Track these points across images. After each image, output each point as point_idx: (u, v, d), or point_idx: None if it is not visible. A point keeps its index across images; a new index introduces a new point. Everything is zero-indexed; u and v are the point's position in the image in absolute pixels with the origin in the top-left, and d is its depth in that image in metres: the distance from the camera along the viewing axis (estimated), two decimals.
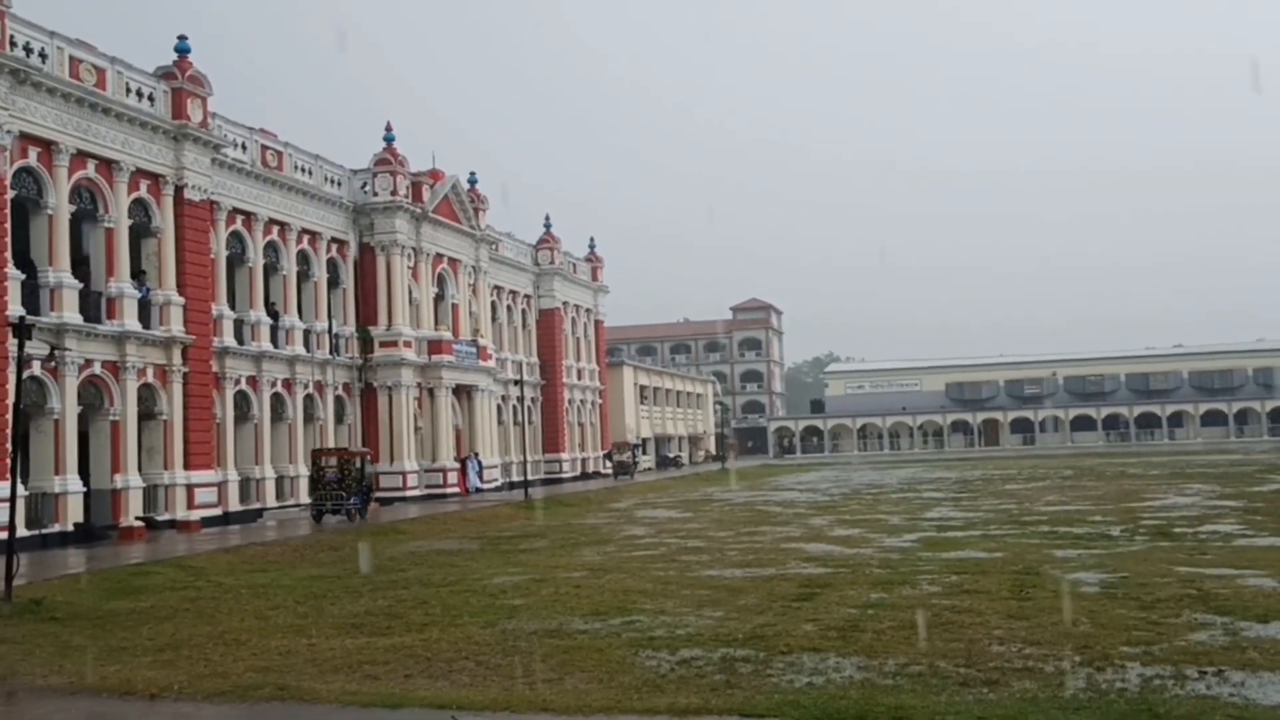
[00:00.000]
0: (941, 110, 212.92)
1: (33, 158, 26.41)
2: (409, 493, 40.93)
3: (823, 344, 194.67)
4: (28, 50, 25.98)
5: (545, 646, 12.57)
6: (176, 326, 30.43)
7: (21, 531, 21.49)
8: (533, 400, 56.39)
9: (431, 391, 43.53)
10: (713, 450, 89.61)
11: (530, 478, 45.28)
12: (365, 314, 41.89)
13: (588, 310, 64.68)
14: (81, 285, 27.74)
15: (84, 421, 27.92)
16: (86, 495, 27.33)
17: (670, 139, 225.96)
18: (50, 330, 25.94)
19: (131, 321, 28.96)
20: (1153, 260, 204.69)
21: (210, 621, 15.30)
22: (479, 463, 45.92)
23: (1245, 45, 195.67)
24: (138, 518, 28.20)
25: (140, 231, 30.24)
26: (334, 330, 39.86)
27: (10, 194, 25.40)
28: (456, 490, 43.71)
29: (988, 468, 63.01)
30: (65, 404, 26.67)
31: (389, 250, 41.84)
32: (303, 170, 38.77)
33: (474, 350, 46.34)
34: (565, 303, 60.63)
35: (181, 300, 30.77)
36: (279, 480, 36.27)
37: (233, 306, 34.94)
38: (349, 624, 14.74)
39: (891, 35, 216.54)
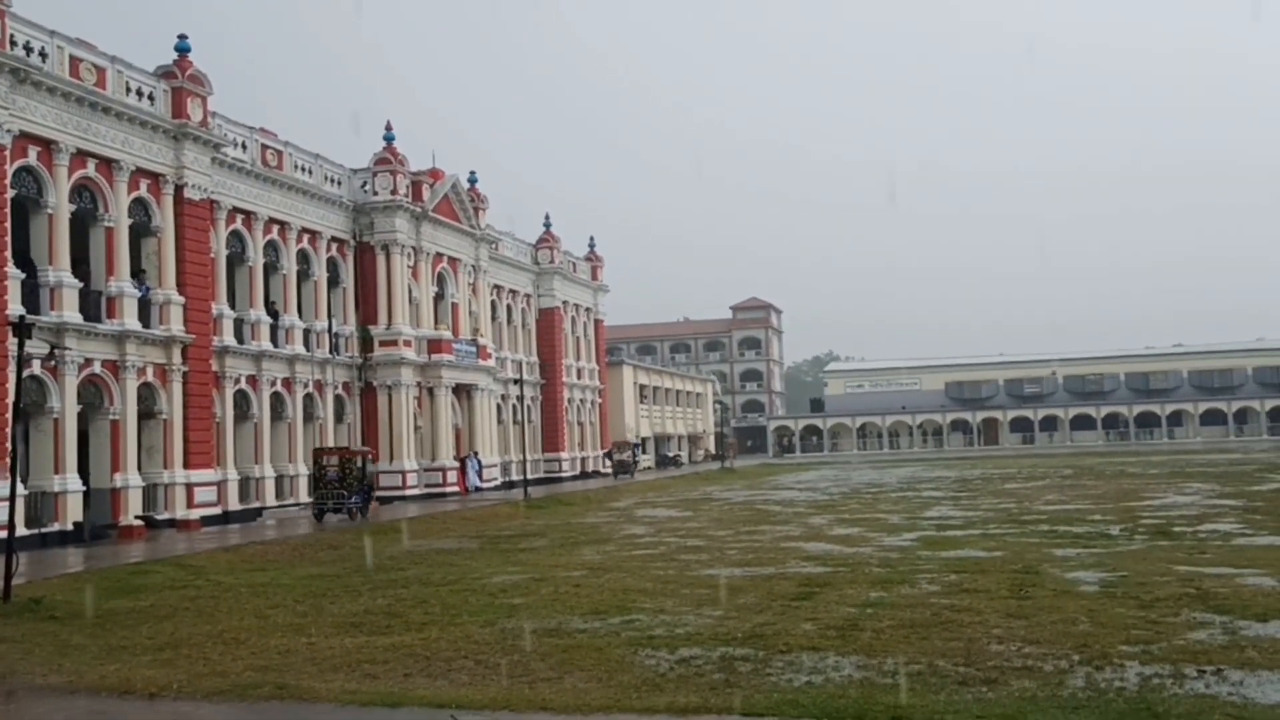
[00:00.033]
0: (942, 110, 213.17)
1: (33, 157, 26.41)
2: (408, 492, 40.94)
3: (822, 343, 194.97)
4: (28, 49, 25.98)
5: (544, 645, 12.58)
6: (176, 326, 30.44)
7: (21, 530, 21.49)
8: (532, 399, 56.40)
9: (431, 391, 43.54)
10: (712, 449, 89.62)
11: (530, 477, 45.26)
12: (365, 313, 41.90)
13: (587, 309, 64.69)
14: (81, 284, 27.74)
15: (84, 420, 27.93)
16: (86, 494, 27.32)
17: (670, 138, 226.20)
18: (50, 329, 25.94)
19: (131, 321, 28.97)
20: (1153, 260, 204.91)
21: (210, 620, 15.31)
22: (478, 462, 45.93)
23: (1245, 45, 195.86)
24: (137, 517, 28.21)
25: (140, 231, 30.24)
26: (334, 329, 39.87)
27: (10, 193, 25.40)
28: (456, 489, 43.72)
29: (987, 467, 63.01)
30: (65, 403, 26.68)
31: (389, 249, 41.84)
32: (303, 169, 38.77)
33: (474, 349, 46.36)
34: (565, 302, 60.64)
35: (181, 299, 30.78)
36: (279, 479, 36.28)
37: (233, 306, 34.95)
38: (348, 623, 14.75)
39: (890, 34, 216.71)
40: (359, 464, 32.36)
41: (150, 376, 29.65)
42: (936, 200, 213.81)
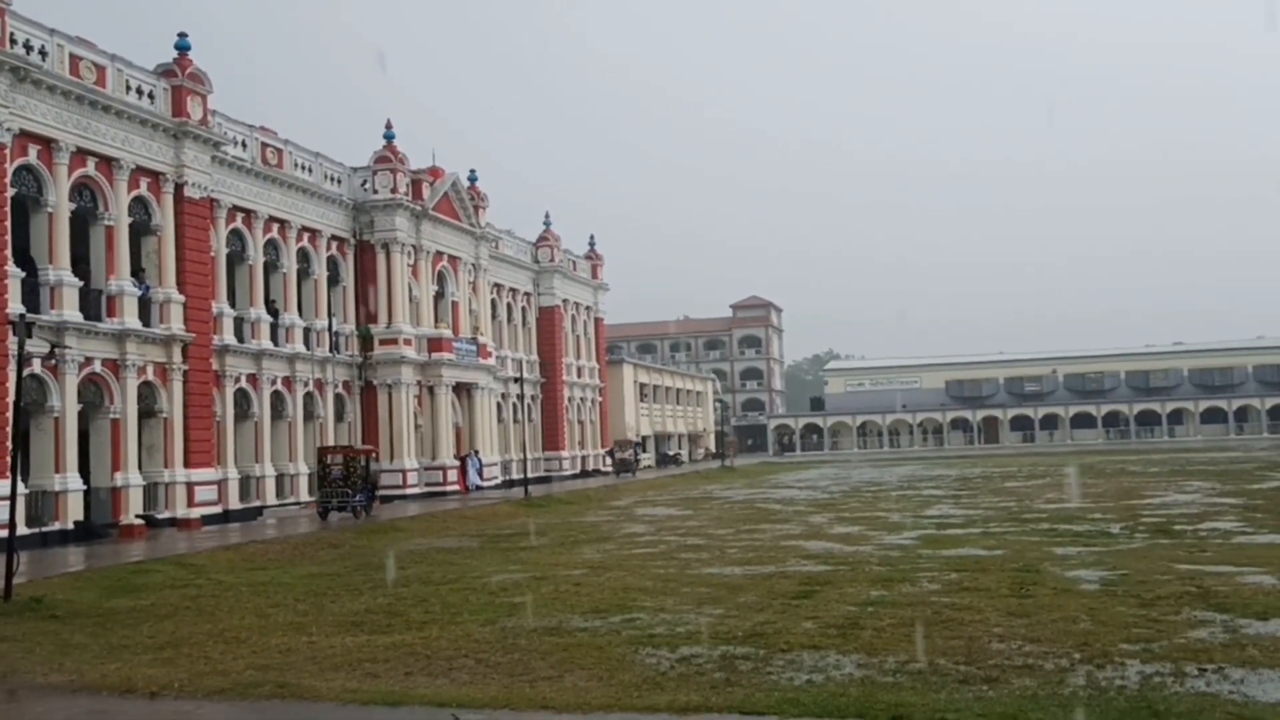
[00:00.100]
0: (943, 105, 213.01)
1: (33, 155, 26.41)
2: (409, 490, 40.95)
3: (822, 341, 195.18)
4: (28, 48, 25.97)
5: (545, 644, 12.58)
6: (176, 324, 30.44)
7: (22, 529, 21.50)
8: (532, 398, 56.41)
9: (431, 389, 43.54)
10: (713, 448, 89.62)
11: (530, 475, 45.29)
12: (365, 312, 41.91)
13: (588, 308, 64.69)
14: (81, 283, 27.74)
15: (84, 419, 27.94)
16: (87, 493, 27.35)
17: (670, 137, 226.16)
18: (50, 328, 25.95)
19: (131, 319, 28.97)
20: (1153, 257, 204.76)
21: (210, 619, 15.32)
22: (479, 460, 45.94)
23: (1254, 41, 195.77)
24: (138, 515, 28.22)
25: (140, 229, 30.24)
26: (334, 328, 39.87)
27: (10, 191, 25.40)
28: (456, 488, 43.74)
29: (988, 465, 63.03)
30: (65, 402, 26.69)
31: (389, 248, 41.84)
32: (303, 168, 38.77)
33: (474, 348, 46.36)
34: (565, 300, 60.64)
35: (181, 298, 30.78)
36: (279, 478, 36.28)
37: (233, 304, 34.95)
38: (349, 622, 14.76)
39: (889, 32, 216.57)
40: (363, 463, 32.46)
41: (150, 375, 29.65)
42: (937, 196, 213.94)
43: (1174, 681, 9.88)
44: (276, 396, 36.52)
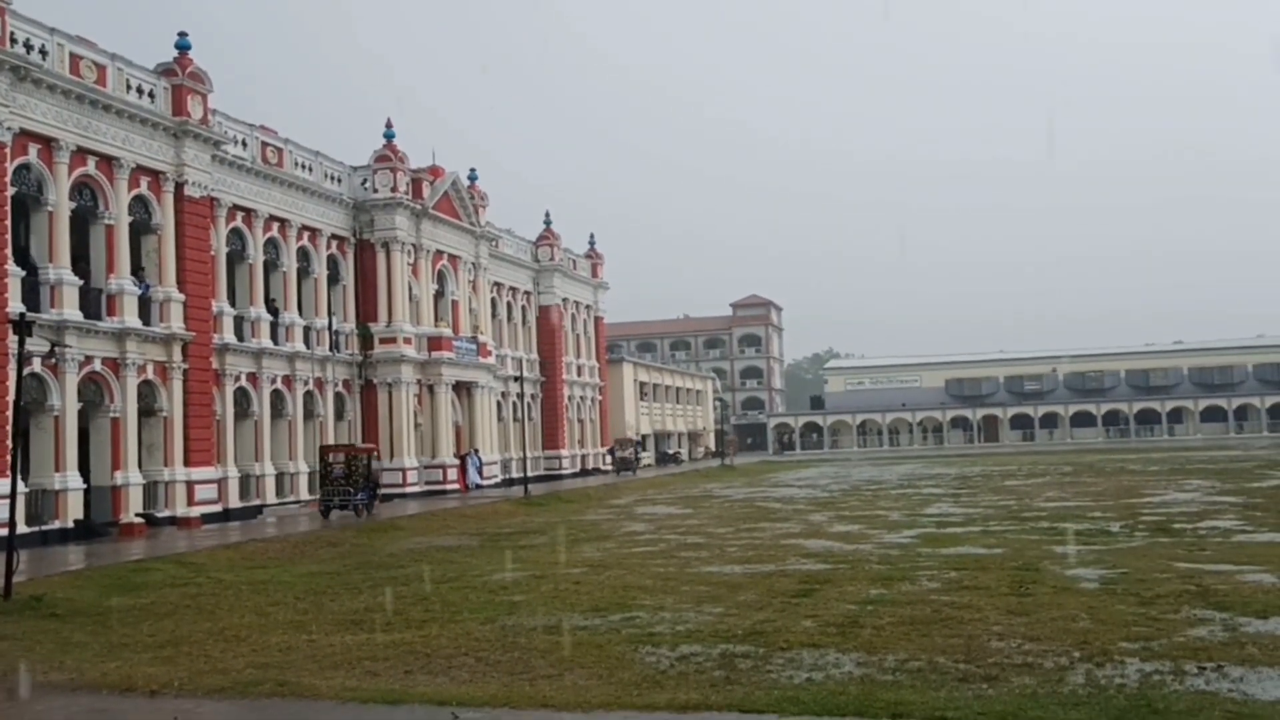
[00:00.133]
0: (943, 105, 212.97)
1: (33, 154, 26.41)
2: (409, 489, 40.97)
3: (822, 340, 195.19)
4: (28, 47, 25.97)
5: (545, 643, 12.58)
6: (177, 323, 30.45)
7: (22, 528, 21.51)
8: (532, 397, 56.41)
9: (431, 388, 43.55)
10: (713, 447, 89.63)
11: (530, 474, 45.30)
12: (365, 310, 41.92)
13: (587, 307, 64.69)
14: (82, 282, 27.75)
15: (84, 418, 27.95)
16: (87, 492, 27.36)
17: (670, 137, 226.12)
18: (50, 327, 25.95)
19: (132, 318, 28.98)
20: (1153, 255, 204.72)
21: (210, 618, 15.32)
22: (479, 459, 45.96)
23: (1254, 41, 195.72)
24: (138, 514, 28.24)
25: (140, 228, 30.24)
26: (334, 327, 39.89)
27: (11, 191, 25.40)
28: (456, 487, 43.76)
29: (987, 464, 62.99)
30: (65, 401, 26.70)
31: (389, 247, 41.84)
32: (303, 167, 38.77)
33: (474, 347, 46.37)
34: (565, 299, 60.64)
35: (181, 297, 30.79)
36: (279, 477, 36.30)
37: (233, 303, 34.97)
38: (349, 620, 14.76)
39: (889, 32, 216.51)
40: (365, 461, 32.54)
41: (150, 374, 29.66)
42: (937, 195, 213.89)
43: (1173, 680, 9.89)
44: (276, 395, 36.53)
